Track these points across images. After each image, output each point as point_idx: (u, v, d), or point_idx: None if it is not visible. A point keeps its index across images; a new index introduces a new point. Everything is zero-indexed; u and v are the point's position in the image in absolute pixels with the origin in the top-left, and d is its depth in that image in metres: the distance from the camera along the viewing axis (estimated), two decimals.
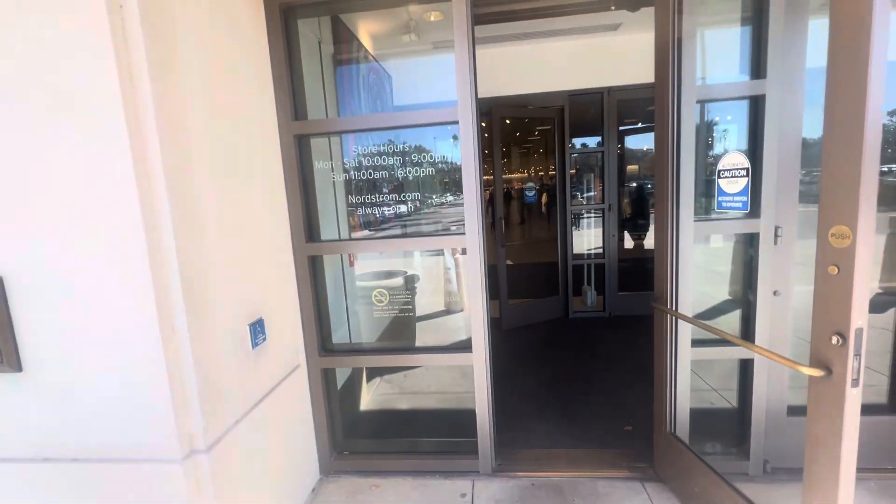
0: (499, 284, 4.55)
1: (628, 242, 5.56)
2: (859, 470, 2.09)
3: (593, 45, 4.21)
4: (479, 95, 3.96)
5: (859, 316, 1.15)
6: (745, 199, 1.65)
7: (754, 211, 1.92)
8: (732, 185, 1.67)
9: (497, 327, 4.60)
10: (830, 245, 1.18)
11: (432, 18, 2.83)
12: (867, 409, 2.12)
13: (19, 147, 1.30)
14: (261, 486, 1.80)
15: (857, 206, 1.11)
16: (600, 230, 4.75)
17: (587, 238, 5.08)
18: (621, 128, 4.69)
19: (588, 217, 5.08)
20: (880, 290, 2.34)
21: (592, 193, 5.00)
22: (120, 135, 1.26)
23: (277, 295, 2.05)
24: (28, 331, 1.40)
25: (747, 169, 1.64)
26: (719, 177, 1.72)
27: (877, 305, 2.32)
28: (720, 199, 1.72)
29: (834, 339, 1.19)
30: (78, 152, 1.28)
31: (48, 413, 1.45)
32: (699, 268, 2.34)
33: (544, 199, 4.90)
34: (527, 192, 4.77)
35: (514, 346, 4.15)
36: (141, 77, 1.29)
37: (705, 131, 2.11)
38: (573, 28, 3.89)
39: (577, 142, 5.03)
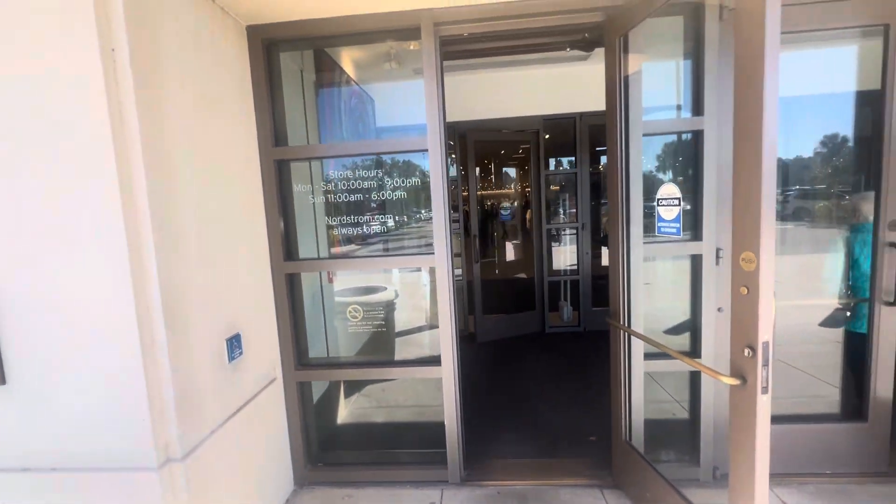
0: (473, 299, 4.68)
1: (606, 259, 5.75)
2: (800, 474, 2.25)
3: (566, 74, 4.45)
4: (461, 119, 4.15)
5: (766, 331, 1.31)
6: (678, 225, 1.82)
7: (697, 234, 2.11)
8: (669, 213, 1.85)
9: (473, 341, 4.73)
10: (741, 268, 1.35)
11: (412, 48, 3.01)
12: (813, 419, 2.31)
13: (13, 172, 1.41)
14: (235, 495, 1.87)
15: (759, 235, 1.28)
16: (575, 247, 4.94)
17: (563, 255, 5.26)
18: (598, 149, 4.92)
19: (563, 235, 5.27)
20: (839, 306, 2.49)
21: (567, 213, 5.20)
22: (108, 164, 1.39)
23: (255, 311, 2.15)
24: (12, 344, 1.49)
25: (679, 198, 1.82)
26: (658, 204, 1.90)
27: (834, 320, 2.48)
28: (659, 224, 1.89)
29: (746, 352, 1.35)
30: (68, 179, 1.40)
31: (29, 424, 1.53)
32: (663, 286, 2.52)
33: (528, 215, 5.09)
34: (502, 211, 4.95)
35: (490, 359, 4.27)
36: (129, 112, 1.42)
37: (654, 161, 2.31)
38: (547, 58, 4.12)
39: (553, 163, 5.26)
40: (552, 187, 5.22)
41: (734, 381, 1.39)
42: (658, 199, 1.90)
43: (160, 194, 1.51)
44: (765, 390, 1.33)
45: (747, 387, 1.37)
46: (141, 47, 1.45)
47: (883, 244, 2.10)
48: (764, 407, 1.34)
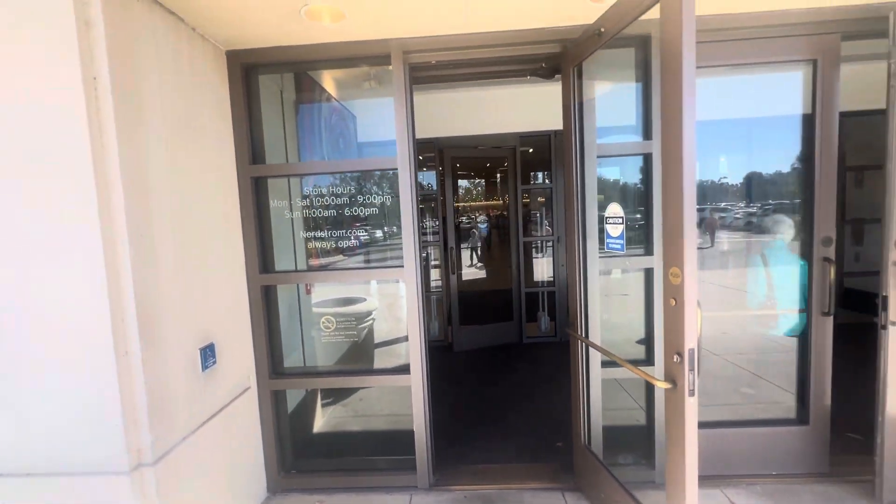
0: (452, 310, 4.79)
1: None
2: (748, 476, 2.38)
3: (540, 93, 4.62)
4: (441, 135, 4.28)
5: (691, 338, 1.45)
6: (622, 241, 1.97)
7: (648, 249, 2.26)
8: (615, 230, 2.00)
9: (450, 351, 4.83)
10: (669, 282, 1.49)
11: (390, 68, 3.16)
12: (761, 423, 2.44)
13: None
14: (206, 500, 1.94)
15: (683, 252, 1.42)
16: (551, 259, 5.10)
17: (540, 267, 5.42)
18: None
19: (540, 248, 5.43)
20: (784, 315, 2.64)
21: (543, 226, 5.37)
22: (88, 185, 1.49)
23: (230, 322, 2.24)
24: None
25: (622, 217, 1.97)
26: (606, 223, 2.05)
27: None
28: (608, 240, 2.04)
29: (675, 358, 1.49)
30: (49, 198, 1.50)
31: (3, 430, 1.60)
32: (628, 298, 2.65)
33: (506, 227, 5.24)
34: (480, 224, 5.09)
35: (467, 369, 4.37)
36: (109, 136, 1.53)
37: (610, 182, 2.47)
38: (519, 78, 4.31)
39: (540, 176, 5.44)
40: (534, 199, 5.40)
41: (666, 385, 1.52)
42: (606, 218, 2.05)
43: (137, 212, 1.61)
44: (692, 392, 1.46)
45: (677, 390, 1.50)
46: (121, 75, 1.56)
47: (818, 259, 2.28)
48: (692, 407, 1.47)
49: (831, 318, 2.30)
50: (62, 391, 1.57)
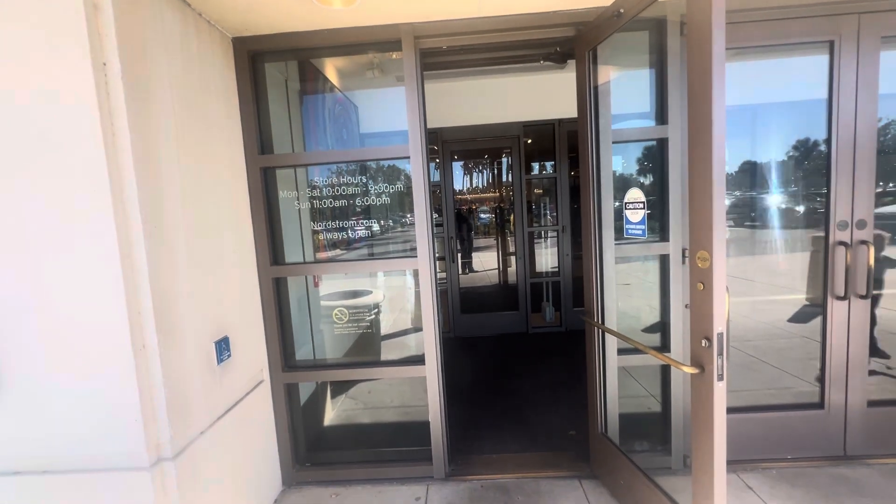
0: (457, 301, 4.78)
1: None
2: (764, 460, 2.39)
3: (545, 81, 4.59)
4: (444, 125, 4.24)
5: (720, 323, 1.44)
6: (643, 227, 1.95)
7: (665, 236, 2.24)
8: (635, 216, 1.97)
9: (457, 342, 4.83)
10: (697, 266, 1.47)
11: (394, 57, 3.10)
12: (777, 408, 2.45)
13: (8, 184, 1.45)
14: (224, 495, 1.92)
15: (712, 235, 1.40)
16: (556, 249, 5.08)
17: (544, 257, 5.41)
18: (576, 154, 5.07)
19: (545, 238, 5.41)
20: (807, 302, 2.64)
21: (548, 216, 5.34)
22: (101, 174, 1.44)
23: (243, 315, 2.20)
24: (4, 349, 1.53)
25: (643, 202, 1.95)
26: (626, 208, 2.02)
27: (803, 316, 2.64)
28: (627, 226, 2.02)
29: (703, 342, 1.47)
30: (63, 189, 1.45)
31: (22, 427, 1.57)
32: (639, 285, 2.64)
33: (511, 218, 5.21)
34: (483, 215, 5.06)
35: (474, 359, 4.36)
36: (121, 123, 1.48)
37: (628, 166, 2.44)
38: (526, 66, 4.26)
39: (537, 167, 5.41)
40: (534, 191, 5.37)
41: (693, 370, 1.51)
42: (625, 203, 2.03)
43: (151, 203, 1.57)
44: (720, 377, 1.45)
45: (705, 375, 1.49)
46: (131, 60, 1.51)
47: (833, 243, 2.27)
48: (720, 392, 1.46)
49: (846, 301, 2.30)
50: (80, 387, 1.54)
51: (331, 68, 3.01)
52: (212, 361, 1.90)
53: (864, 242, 2.24)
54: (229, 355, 2.02)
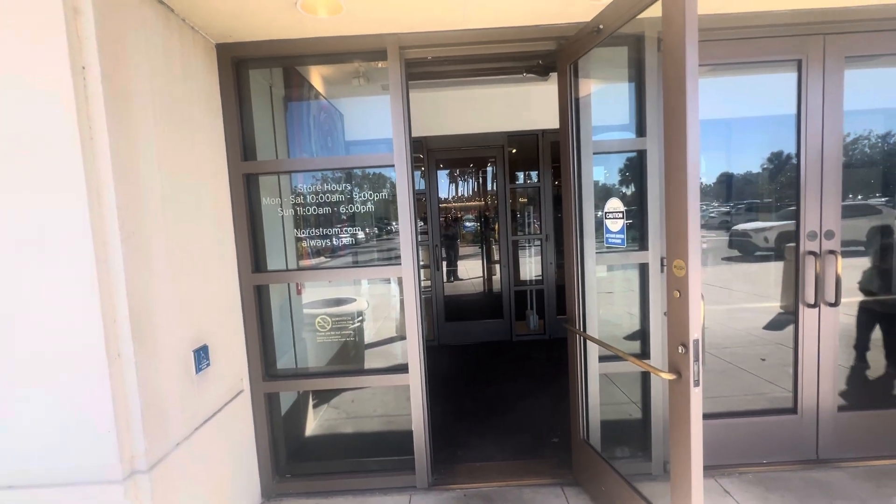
0: (441, 309, 4.78)
1: None
2: (741, 465, 2.44)
3: (528, 92, 4.67)
4: (429, 134, 4.26)
5: (696, 329, 1.48)
6: (623, 236, 2.00)
7: (643, 244, 2.29)
8: (614, 225, 2.02)
9: (441, 350, 4.82)
10: (674, 274, 1.52)
11: (380, 65, 3.13)
12: (753, 413, 2.50)
13: None
14: None
15: (687, 244, 1.45)
16: (540, 258, 5.14)
17: (528, 266, 5.46)
18: (559, 164, 5.16)
19: (529, 246, 5.47)
20: (781, 310, 2.72)
21: (531, 224, 5.41)
22: (77, 178, 1.42)
23: (223, 322, 2.17)
24: None
25: (623, 212, 2.00)
26: (605, 218, 2.07)
27: (777, 324, 2.71)
28: (607, 236, 2.06)
29: (680, 349, 1.51)
30: (37, 192, 1.42)
31: None
32: (621, 293, 2.68)
33: (496, 226, 5.26)
34: (467, 224, 5.10)
35: (458, 367, 4.36)
36: (99, 127, 1.46)
37: (609, 176, 2.50)
38: (510, 77, 4.33)
39: (522, 176, 5.48)
40: (519, 199, 5.44)
41: (671, 377, 1.54)
42: (605, 213, 2.07)
43: (129, 208, 1.54)
44: (696, 383, 1.49)
45: (682, 381, 1.52)
46: (112, 65, 1.50)
47: (803, 253, 2.35)
48: (696, 398, 1.49)
49: (817, 309, 2.38)
50: (50, 397, 1.49)
51: (316, 76, 3.01)
52: (190, 371, 1.86)
53: (832, 252, 2.33)
54: (208, 364, 1.98)
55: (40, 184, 1.42)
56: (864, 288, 2.65)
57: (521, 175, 5.52)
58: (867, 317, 2.67)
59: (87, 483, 1.51)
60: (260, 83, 2.54)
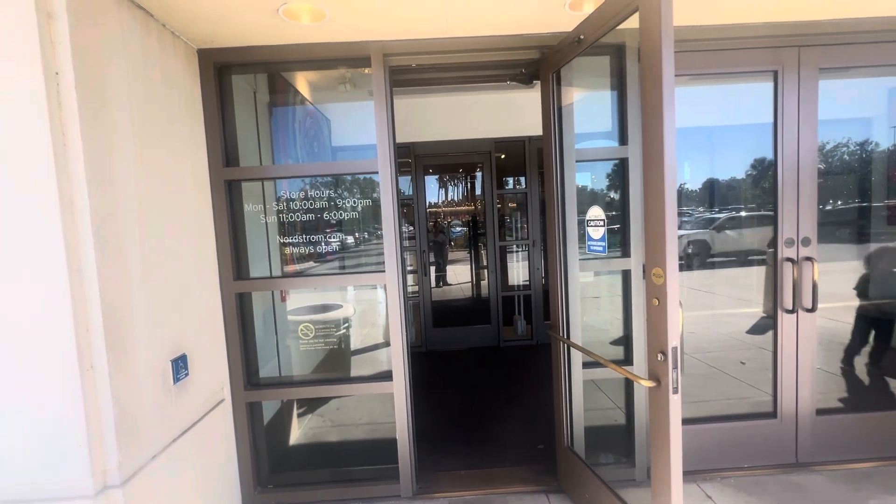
0: (429, 315, 4.77)
1: None
2: (722, 469, 2.46)
3: (515, 99, 4.71)
4: (416, 140, 4.27)
5: (674, 337, 1.49)
6: (604, 244, 2.01)
7: (626, 251, 2.32)
8: (596, 232, 2.04)
9: (428, 356, 4.80)
10: (653, 282, 1.53)
11: (366, 72, 3.12)
12: (733, 418, 2.53)
13: None
14: None
15: (665, 253, 1.46)
16: (527, 263, 5.16)
17: (516, 271, 5.48)
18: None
19: (516, 252, 5.49)
20: (764, 314, 2.75)
21: (519, 230, 5.44)
22: (49, 185, 1.38)
23: (203, 331, 2.13)
24: None
25: (604, 220, 2.02)
26: (587, 225, 2.09)
27: (760, 328, 2.74)
28: (589, 243, 2.08)
29: (659, 356, 1.52)
30: (6, 198, 1.38)
31: None
32: (606, 299, 2.71)
33: (483, 232, 5.27)
34: (454, 229, 5.10)
35: (445, 373, 4.34)
36: (73, 134, 1.43)
37: (593, 183, 2.52)
38: (497, 84, 4.36)
39: (511, 181, 5.51)
40: (508, 205, 5.46)
41: (651, 384, 1.56)
42: (587, 220, 2.09)
43: (103, 215, 1.51)
44: (675, 390, 1.50)
45: (661, 388, 1.53)
46: (87, 70, 1.47)
47: (781, 259, 2.40)
48: (675, 405, 1.51)
49: (795, 315, 2.42)
50: (18, 408, 1.44)
51: (302, 81, 3.00)
52: (167, 381, 1.82)
53: (808, 259, 2.37)
54: (187, 374, 1.94)
55: (10, 190, 1.38)
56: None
57: (509, 181, 5.56)
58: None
59: (56, 499, 1.46)
60: (244, 89, 2.52)
